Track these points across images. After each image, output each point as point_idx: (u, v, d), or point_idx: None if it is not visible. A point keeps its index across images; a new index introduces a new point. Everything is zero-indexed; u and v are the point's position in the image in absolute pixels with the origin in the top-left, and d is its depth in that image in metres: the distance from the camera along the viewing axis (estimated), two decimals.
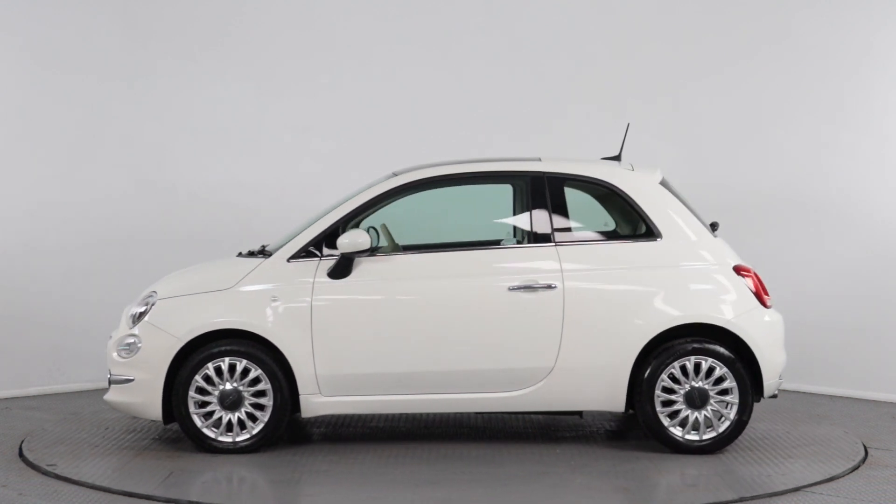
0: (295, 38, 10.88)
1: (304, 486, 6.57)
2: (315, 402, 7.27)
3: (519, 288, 7.20)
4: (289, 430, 7.84)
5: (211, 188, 10.54)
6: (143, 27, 10.35)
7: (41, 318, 9.63)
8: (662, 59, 10.56)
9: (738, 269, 7.29)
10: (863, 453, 7.27)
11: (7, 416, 8.56)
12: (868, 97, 9.65)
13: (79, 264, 9.87)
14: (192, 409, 7.22)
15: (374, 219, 7.57)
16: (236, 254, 7.83)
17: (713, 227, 7.63)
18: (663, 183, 7.56)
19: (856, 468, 6.88)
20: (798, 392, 9.59)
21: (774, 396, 7.50)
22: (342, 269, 7.23)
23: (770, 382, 7.23)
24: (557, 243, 7.30)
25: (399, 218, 7.79)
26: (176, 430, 7.77)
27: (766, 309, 7.28)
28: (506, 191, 8.01)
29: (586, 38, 10.80)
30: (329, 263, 7.26)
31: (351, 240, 7.17)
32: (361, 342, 7.23)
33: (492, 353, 7.21)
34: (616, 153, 8.01)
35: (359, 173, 8.97)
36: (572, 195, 7.49)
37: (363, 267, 7.26)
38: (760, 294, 7.27)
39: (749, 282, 7.26)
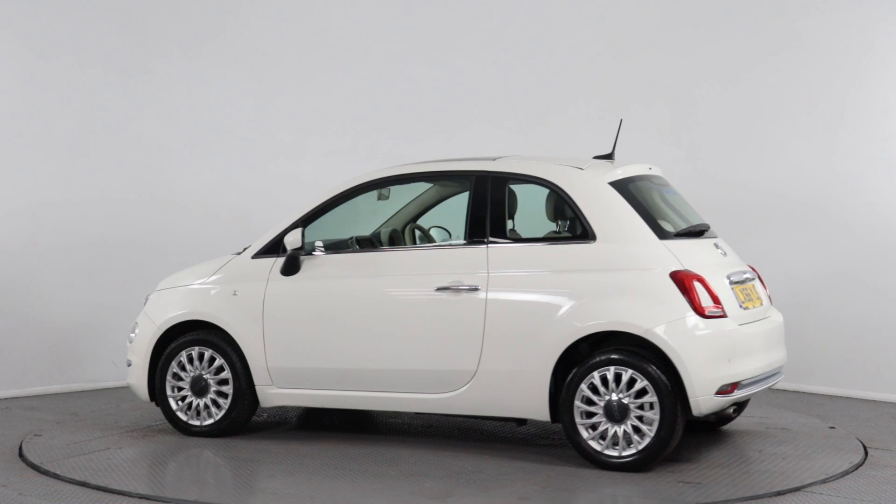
0: (295, 38, 10.89)
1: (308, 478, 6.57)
2: (269, 392, 7.61)
3: (445, 289, 7.10)
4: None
5: (210, 188, 10.55)
6: (143, 27, 10.36)
7: (41, 318, 9.63)
8: (664, 60, 10.56)
9: (677, 276, 6.69)
10: (863, 453, 7.26)
11: (7, 416, 8.55)
12: (869, 98, 9.65)
13: (79, 264, 9.87)
14: (168, 392, 7.78)
15: (338, 217, 7.71)
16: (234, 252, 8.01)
17: (700, 230, 7.27)
18: (621, 182, 7.10)
19: (856, 468, 6.88)
20: (798, 392, 9.60)
21: (725, 417, 6.90)
22: (289, 266, 7.51)
23: (700, 399, 6.56)
24: (489, 244, 7.11)
25: (358, 217, 7.94)
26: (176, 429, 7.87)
27: (703, 318, 6.62)
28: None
29: (588, 38, 10.80)
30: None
31: (292, 238, 7.44)
32: (304, 337, 7.48)
33: (419, 354, 7.18)
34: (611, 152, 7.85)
35: (358, 173, 8.97)
36: (524, 195, 7.32)
37: (311, 264, 7.51)
38: (696, 302, 6.62)
39: (699, 287, 6.67)
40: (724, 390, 6.66)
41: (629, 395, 6.62)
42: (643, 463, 6.62)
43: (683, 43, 10.48)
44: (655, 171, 7.68)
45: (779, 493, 6.26)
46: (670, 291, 6.66)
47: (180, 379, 7.76)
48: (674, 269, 6.71)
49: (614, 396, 6.65)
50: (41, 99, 9.79)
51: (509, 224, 7.28)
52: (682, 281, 6.66)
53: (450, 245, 7.46)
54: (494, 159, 7.43)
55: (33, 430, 7.96)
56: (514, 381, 6.91)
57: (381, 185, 7.65)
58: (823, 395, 9.50)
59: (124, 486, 6.34)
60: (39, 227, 9.71)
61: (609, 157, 7.62)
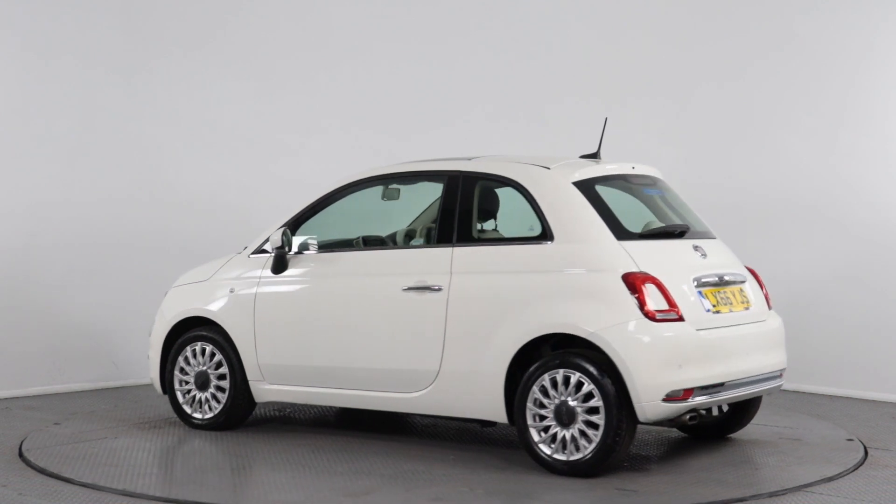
0: (294, 38, 10.89)
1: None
2: (261, 388, 7.80)
3: (411, 289, 7.13)
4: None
5: (210, 188, 10.55)
6: (143, 27, 10.35)
7: (41, 318, 9.63)
8: (664, 60, 10.57)
9: (628, 278, 6.52)
10: (863, 453, 7.26)
11: (7, 416, 8.55)
12: (869, 98, 9.65)
13: (79, 264, 9.87)
14: (176, 385, 8.07)
15: (329, 217, 7.80)
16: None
17: (679, 230, 7.09)
18: (587, 182, 6.95)
19: (856, 468, 6.88)
20: (798, 392, 9.60)
21: (683, 422, 6.58)
22: (276, 265, 7.70)
23: (645, 405, 6.38)
24: (455, 244, 7.09)
25: (346, 217, 7.99)
26: (176, 429, 7.90)
27: (652, 322, 6.43)
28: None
29: (588, 38, 10.81)
30: None
31: (274, 237, 7.66)
32: (290, 334, 7.64)
33: (388, 353, 7.24)
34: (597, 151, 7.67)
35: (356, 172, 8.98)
36: (508, 196, 7.26)
37: (296, 263, 7.67)
38: (645, 305, 6.44)
39: (651, 290, 6.49)
40: (675, 396, 6.44)
41: (577, 399, 6.50)
42: (590, 468, 6.49)
43: (683, 43, 10.49)
44: (642, 171, 7.51)
45: (778, 493, 6.26)
46: (621, 294, 6.49)
47: (186, 373, 8.02)
48: (626, 270, 6.54)
49: (563, 400, 6.53)
50: (42, 99, 9.79)
51: (491, 224, 7.27)
52: (633, 283, 6.50)
53: (421, 246, 7.44)
54: (469, 159, 7.42)
55: (33, 430, 7.96)
56: (472, 382, 6.89)
57: (362, 186, 7.71)
58: (823, 395, 9.50)
59: (124, 486, 6.34)
60: (40, 227, 9.70)
61: (595, 155, 7.49)
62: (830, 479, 6.59)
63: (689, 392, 6.51)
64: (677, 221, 7.26)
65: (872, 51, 9.62)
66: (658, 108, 10.59)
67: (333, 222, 7.94)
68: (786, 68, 10.01)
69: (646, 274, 6.55)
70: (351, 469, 6.82)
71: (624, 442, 6.46)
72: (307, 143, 10.90)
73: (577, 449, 6.50)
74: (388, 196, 7.77)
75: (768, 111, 10.12)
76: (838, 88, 9.78)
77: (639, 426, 6.58)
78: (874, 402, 9.17)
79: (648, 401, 6.38)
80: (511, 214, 7.44)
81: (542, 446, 6.61)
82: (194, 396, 7.99)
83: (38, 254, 9.68)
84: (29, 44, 9.74)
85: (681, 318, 6.55)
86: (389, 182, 7.71)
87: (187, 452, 7.37)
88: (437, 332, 7.00)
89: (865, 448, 7.41)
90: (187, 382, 8.02)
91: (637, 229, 6.99)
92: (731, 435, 7.68)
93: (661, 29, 10.65)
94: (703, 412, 7.05)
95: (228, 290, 7.89)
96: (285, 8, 10.88)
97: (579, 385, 6.49)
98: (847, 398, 9.34)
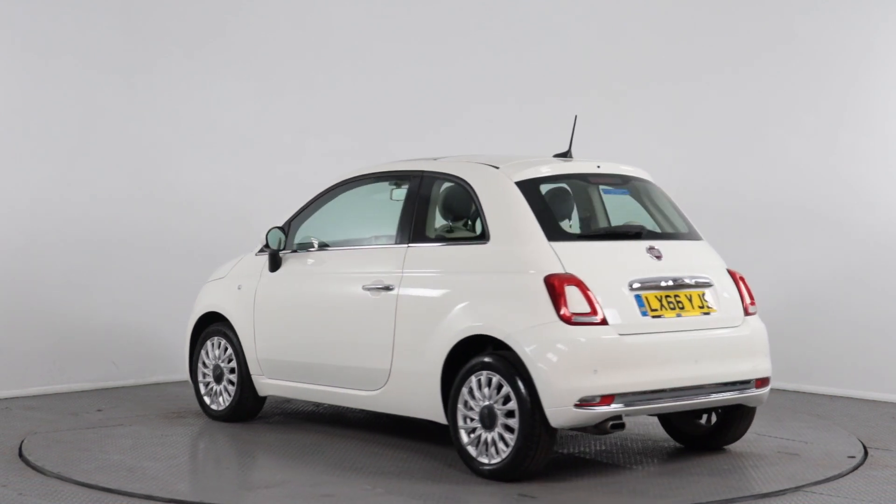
0: (294, 38, 10.89)
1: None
2: (262, 382, 8.05)
3: (369, 287, 7.21)
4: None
5: (210, 188, 10.55)
6: (144, 27, 10.36)
7: (41, 318, 9.63)
8: (664, 60, 10.57)
9: (549, 280, 6.35)
10: (863, 453, 7.26)
11: (7, 416, 8.55)
12: (870, 98, 9.65)
13: (79, 264, 9.87)
14: (199, 377, 8.44)
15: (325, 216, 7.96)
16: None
17: (634, 231, 6.88)
18: (531, 182, 6.80)
19: (856, 468, 6.88)
20: (798, 392, 9.60)
21: (605, 430, 6.31)
22: (272, 262, 7.96)
23: (555, 410, 6.21)
24: (410, 243, 7.12)
25: (356, 216, 8.17)
26: (177, 429, 7.92)
27: (568, 325, 6.26)
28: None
29: (587, 37, 10.81)
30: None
31: (262, 237, 7.97)
32: (280, 330, 7.88)
33: (351, 351, 7.36)
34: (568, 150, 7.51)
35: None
36: (453, 194, 7.19)
37: (287, 261, 7.93)
38: (561, 307, 6.28)
39: (571, 292, 6.32)
40: (590, 402, 6.22)
41: (497, 402, 6.41)
42: (507, 472, 6.37)
43: (683, 43, 10.49)
44: (609, 170, 7.28)
45: (778, 493, 6.26)
46: (541, 296, 6.35)
47: (206, 366, 8.40)
48: (549, 272, 6.39)
49: (486, 402, 6.46)
50: (42, 99, 9.79)
51: (430, 223, 7.23)
52: (553, 285, 6.34)
53: (384, 245, 7.44)
54: (435, 160, 7.43)
55: (33, 430, 7.96)
56: (417, 382, 6.89)
57: (343, 187, 7.84)
58: (823, 395, 9.50)
59: (124, 486, 6.34)
60: (40, 227, 9.71)
61: (566, 154, 7.37)
62: (830, 479, 6.59)
63: (607, 398, 6.27)
64: (633, 222, 7.09)
65: (872, 51, 9.62)
66: (658, 108, 10.59)
67: (342, 221, 8.01)
68: (786, 68, 10.01)
69: (569, 276, 6.38)
70: (274, 464, 7.03)
71: (540, 448, 6.30)
72: (307, 143, 10.90)
73: (497, 452, 6.42)
74: (395, 197, 7.78)
75: (768, 111, 10.12)
76: (838, 88, 9.78)
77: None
78: (874, 402, 9.17)
79: (559, 406, 6.21)
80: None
81: (469, 448, 6.55)
82: (212, 388, 8.34)
83: (39, 253, 9.68)
84: (29, 44, 9.74)
85: (602, 322, 6.34)
86: (368, 182, 7.76)
87: (188, 452, 7.37)
88: (388, 331, 7.05)
89: (865, 448, 7.41)
90: (206, 375, 8.38)
91: (585, 230, 6.91)
92: (728, 446, 7.41)
93: (660, 29, 10.65)
94: (692, 422, 7.02)
95: (237, 287, 8.18)
96: (285, 8, 10.88)
97: (500, 388, 6.40)
98: (847, 398, 9.34)
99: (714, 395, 6.75)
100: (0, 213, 9.53)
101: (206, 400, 8.40)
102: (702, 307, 6.79)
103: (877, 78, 9.61)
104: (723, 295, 6.94)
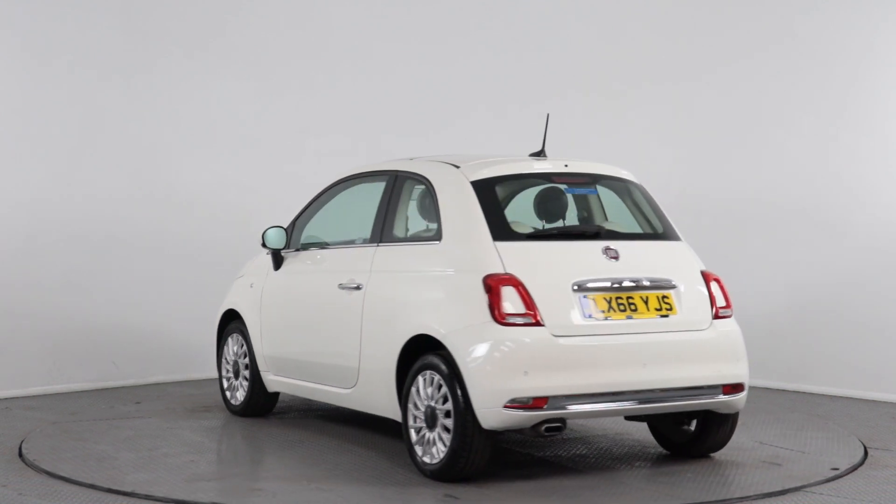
0: (295, 38, 10.89)
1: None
2: (268, 378, 8.21)
3: (344, 287, 7.28)
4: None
5: (210, 188, 10.55)
6: (144, 27, 10.36)
7: (41, 318, 9.63)
8: (664, 59, 10.56)
9: (486, 280, 6.25)
10: (863, 453, 7.26)
11: (7, 416, 8.55)
12: (869, 97, 9.65)
13: (79, 264, 9.87)
14: (223, 373, 8.70)
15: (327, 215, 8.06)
16: None
17: (593, 231, 6.76)
18: (487, 181, 6.69)
19: (856, 468, 6.87)
20: (798, 392, 9.60)
21: (540, 433, 6.18)
22: (275, 261, 8.14)
23: (485, 411, 6.12)
24: (379, 243, 7.15)
25: (332, 217, 8.21)
26: (177, 428, 7.93)
27: (500, 326, 6.15)
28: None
29: (588, 37, 10.81)
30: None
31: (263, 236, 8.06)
32: (278, 328, 8.05)
33: (329, 349, 7.45)
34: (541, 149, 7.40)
35: None
36: (418, 193, 7.23)
37: (289, 260, 8.08)
38: (494, 307, 6.18)
39: (508, 293, 6.21)
40: (521, 405, 6.09)
41: (437, 401, 6.37)
42: (445, 473, 6.31)
43: (683, 42, 10.49)
44: (577, 169, 7.09)
45: (779, 493, 6.26)
46: (479, 296, 6.26)
47: (227, 362, 8.63)
48: (489, 272, 6.30)
49: (429, 402, 6.43)
50: (42, 99, 9.79)
51: (399, 223, 7.24)
52: (490, 285, 6.25)
53: (361, 245, 7.46)
54: (411, 159, 7.42)
55: (33, 430, 7.96)
56: (378, 381, 6.91)
57: (337, 187, 7.90)
58: (823, 395, 9.50)
59: (124, 486, 6.34)
60: (40, 227, 9.71)
61: (540, 153, 7.25)
62: (830, 479, 6.58)
63: (541, 401, 6.12)
64: (595, 222, 7.03)
65: (872, 51, 9.62)
66: (658, 107, 10.59)
67: (335, 221, 8.03)
68: (786, 68, 10.01)
69: (508, 276, 6.27)
70: (234, 459, 7.29)
71: (474, 449, 6.22)
72: (307, 143, 10.90)
73: (438, 452, 6.37)
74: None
75: (768, 111, 10.12)
76: (838, 88, 9.78)
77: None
78: (874, 402, 9.17)
79: (489, 407, 6.12)
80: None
81: (416, 447, 6.53)
82: (231, 384, 8.61)
83: (38, 254, 9.68)
84: (29, 44, 9.74)
85: (537, 324, 6.21)
86: (361, 182, 7.76)
87: (188, 451, 7.36)
88: (357, 329, 7.09)
89: (865, 448, 7.41)
90: (228, 371, 8.63)
91: (538, 230, 6.76)
92: (714, 454, 7.17)
93: (661, 29, 10.65)
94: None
95: (249, 285, 8.37)
96: (285, 8, 10.88)
97: (440, 387, 6.36)
98: (847, 398, 9.34)
99: (675, 401, 6.50)
100: (0, 213, 9.53)
101: (227, 395, 8.64)
102: (659, 309, 6.55)
103: (877, 78, 9.61)
104: (688, 297, 6.67)
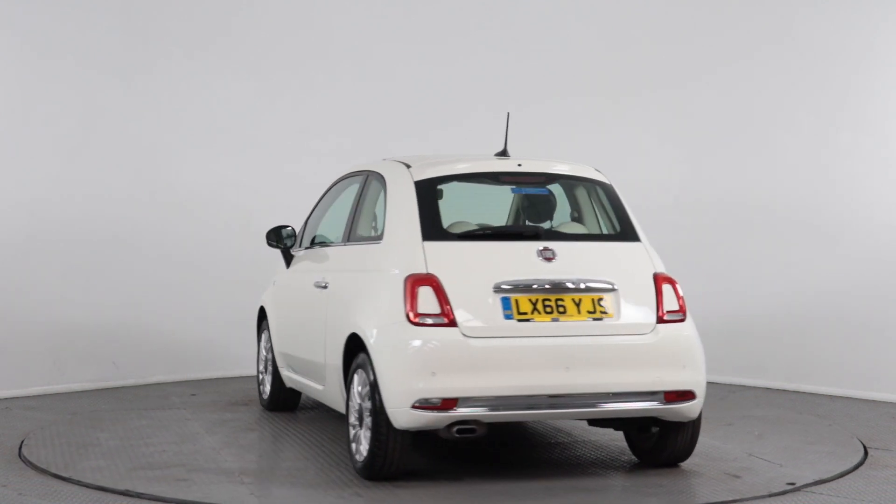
0: (295, 39, 10.89)
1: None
2: (285, 375, 8.36)
3: (316, 286, 7.44)
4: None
5: (210, 188, 10.56)
6: (144, 27, 10.37)
7: (41, 318, 9.63)
8: (664, 59, 10.57)
9: (407, 280, 6.21)
10: (863, 453, 7.25)
11: (7, 416, 8.55)
12: (869, 97, 9.65)
13: (79, 264, 9.87)
14: (259, 367, 9.01)
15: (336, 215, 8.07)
16: None
17: (532, 232, 6.65)
18: (430, 181, 6.67)
19: (856, 468, 6.87)
20: (798, 392, 9.60)
21: (451, 435, 6.08)
22: (286, 259, 8.39)
23: (394, 411, 6.08)
24: (346, 242, 7.29)
25: (328, 217, 8.25)
26: (178, 428, 7.94)
27: (411, 325, 6.11)
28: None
29: (588, 37, 10.81)
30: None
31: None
32: (283, 324, 8.31)
33: (308, 346, 7.60)
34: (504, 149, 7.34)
35: None
36: (376, 193, 7.18)
37: (296, 258, 8.27)
38: (407, 307, 6.13)
39: (424, 293, 6.15)
40: (430, 406, 6.02)
41: (364, 399, 6.36)
42: (368, 471, 6.32)
43: (683, 42, 10.49)
44: (531, 168, 6.97)
45: (778, 494, 6.25)
46: (398, 295, 6.22)
47: (261, 358, 8.93)
48: (411, 272, 6.25)
49: (359, 400, 6.43)
50: (42, 99, 9.79)
51: (365, 223, 7.27)
52: (408, 285, 6.20)
53: (336, 244, 7.56)
54: (384, 160, 7.38)
55: (33, 430, 7.96)
56: (334, 378, 7.00)
57: (334, 187, 8.02)
58: (823, 395, 9.50)
59: (124, 486, 6.34)
60: (40, 227, 9.71)
61: (503, 153, 7.18)
62: (830, 479, 6.58)
63: (450, 402, 6.04)
64: (541, 222, 6.89)
65: (872, 51, 9.62)
66: (658, 108, 10.59)
67: (330, 220, 8.07)
68: (785, 69, 10.01)
69: (426, 276, 6.21)
70: (210, 449, 7.28)
71: (390, 448, 6.19)
72: (307, 143, 10.90)
73: (363, 451, 6.38)
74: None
75: (768, 112, 10.12)
76: (838, 88, 9.78)
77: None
78: (874, 402, 9.17)
79: (398, 406, 6.08)
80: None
81: (352, 444, 6.55)
82: (263, 379, 8.90)
83: (38, 253, 9.68)
84: (29, 44, 9.75)
85: (450, 324, 6.12)
86: (350, 182, 7.79)
87: (188, 451, 7.36)
88: (323, 327, 7.21)
89: (865, 448, 7.41)
90: (261, 366, 8.94)
91: (471, 230, 6.63)
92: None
93: (661, 29, 10.65)
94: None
95: (273, 283, 8.68)
96: (285, 9, 10.88)
97: (366, 385, 6.36)
98: (847, 398, 9.34)
99: (608, 406, 6.27)
100: (0, 213, 9.53)
101: (260, 389, 8.95)
102: (592, 312, 6.32)
103: (876, 78, 9.61)
104: (630, 300, 6.40)
